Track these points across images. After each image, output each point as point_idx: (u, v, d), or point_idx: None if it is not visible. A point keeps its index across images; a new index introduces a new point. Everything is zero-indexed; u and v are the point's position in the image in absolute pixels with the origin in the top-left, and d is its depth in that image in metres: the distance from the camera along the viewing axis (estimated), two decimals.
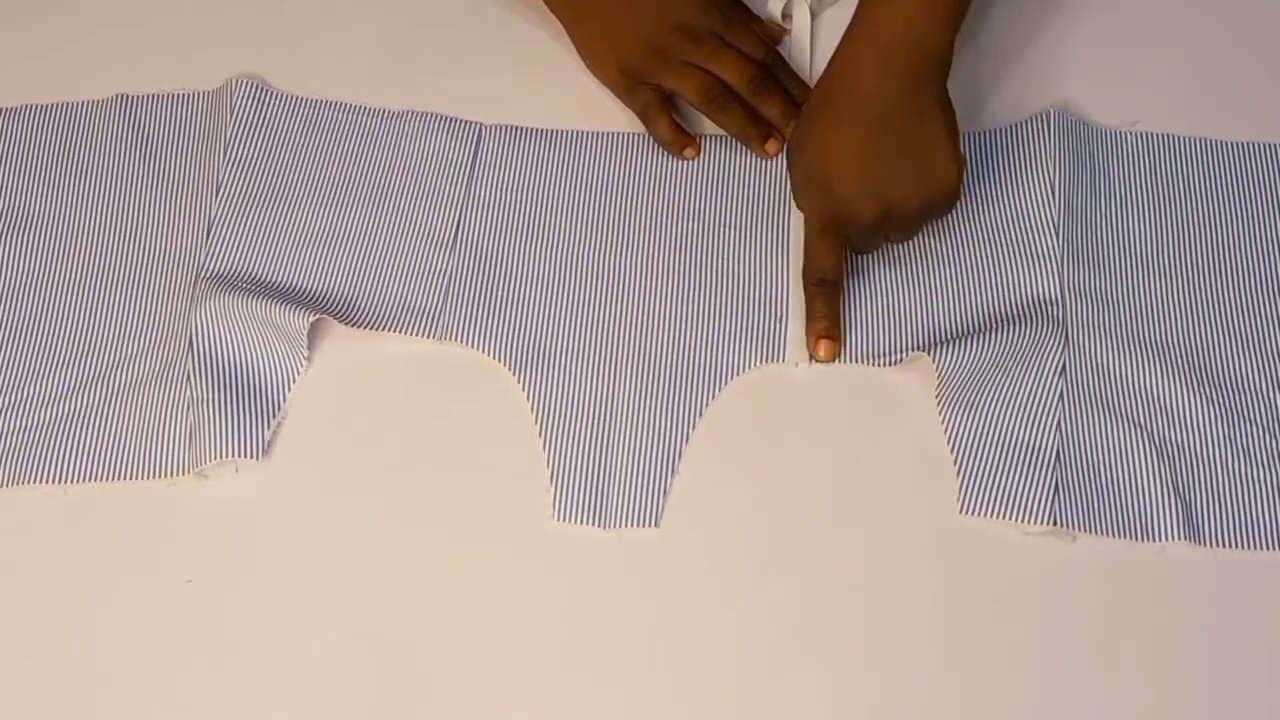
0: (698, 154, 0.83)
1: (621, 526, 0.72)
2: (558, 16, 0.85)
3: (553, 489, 0.73)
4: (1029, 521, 0.71)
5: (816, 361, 0.76)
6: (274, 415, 0.76)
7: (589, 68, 0.85)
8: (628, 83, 0.83)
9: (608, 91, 0.85)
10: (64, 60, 0.88)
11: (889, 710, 0.68)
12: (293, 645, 0.70)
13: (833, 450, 0.74)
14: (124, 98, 0.86)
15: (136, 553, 0.73)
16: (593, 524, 0.72)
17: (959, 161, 0.74)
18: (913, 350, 0.76)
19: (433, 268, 0.80)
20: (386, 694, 0.69)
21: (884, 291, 0.78)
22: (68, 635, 0.71)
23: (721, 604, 0.71)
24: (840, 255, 0.77)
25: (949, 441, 0.73)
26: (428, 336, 0.78)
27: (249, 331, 0.77)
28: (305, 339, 0.76)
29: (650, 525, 0.72)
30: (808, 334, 0.77)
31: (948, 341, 0.76)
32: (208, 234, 0.81)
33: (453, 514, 0.73)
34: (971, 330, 0.76)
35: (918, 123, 0.73)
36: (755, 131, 0.82)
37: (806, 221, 0.78)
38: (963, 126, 0.75)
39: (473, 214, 0.82)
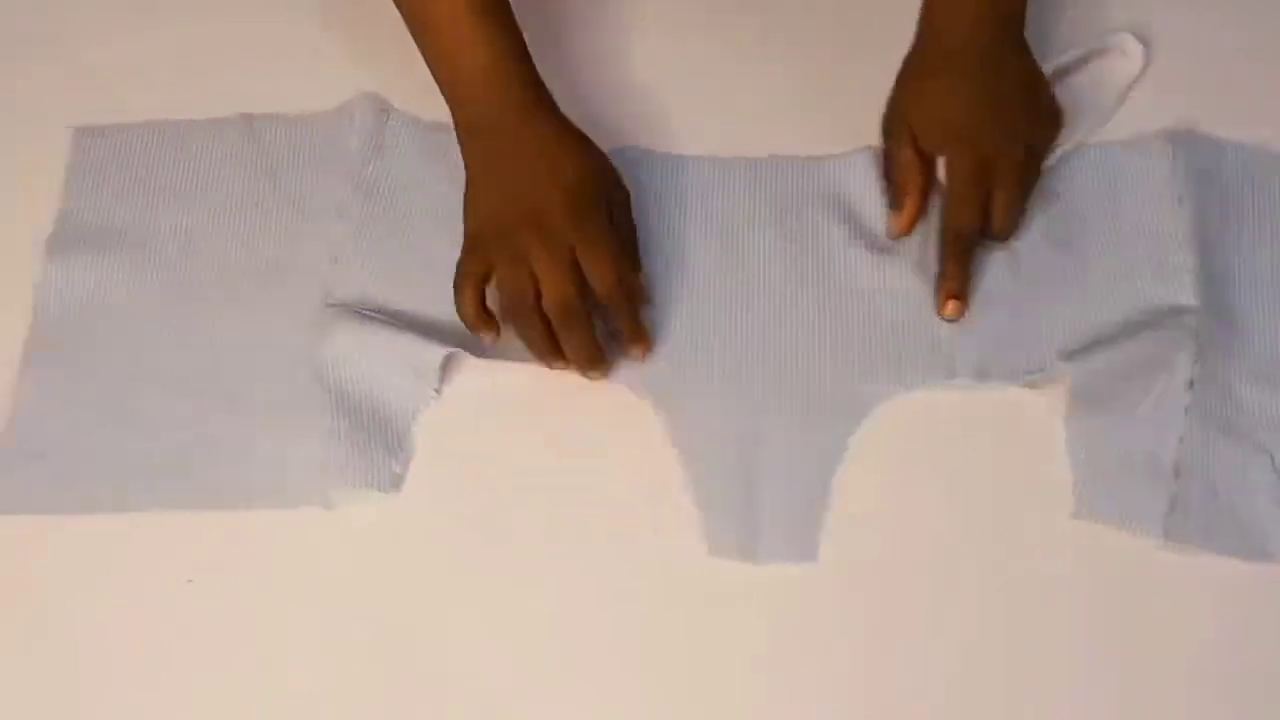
0: (495, 340, 0.76)
1: (776, 562, 0.71)
2: (466, 174, 0.79)
3: (703, 523, 0.72)
4: (1142, 532, 0.70)
5: (944, 319, 0.77)
6: (403, 447, 0.75)
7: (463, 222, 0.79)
8: (471, 246, 0.77)
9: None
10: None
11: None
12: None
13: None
14: (246, 117, 0.85)
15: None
16: (747, 560, 0.71)
17: (1059, 106, 0.81)
18: (1051, 365, 0.75)
19: None
20: None
21: (1020, 307, 0.77)
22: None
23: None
24: (980, 211, 0.77)
25: (1069, 444, 0.73)
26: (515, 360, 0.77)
27: (379, 362, 0.76)
28: (438, 371, 0.75)
29: (807, 560, 0.71)
30: (938, 292, 0.77)
31: (1082, 353, 0.75)
32: (333, 259, 0.80)
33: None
34: (1105, 341, 0.76)
35: (1019, 66, 0.80)
36: (545, 352, 0.76)
37: (950, 177, 0.78)
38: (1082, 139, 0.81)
39: None
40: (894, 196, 0.80)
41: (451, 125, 0.80)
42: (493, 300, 0.76)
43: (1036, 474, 0.73)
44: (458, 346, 0.76)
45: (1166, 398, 0.73)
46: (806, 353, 0.76)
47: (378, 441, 0.74)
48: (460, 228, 0.78)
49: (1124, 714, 0.68)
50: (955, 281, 0.77)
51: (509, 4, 0.79)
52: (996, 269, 0.78)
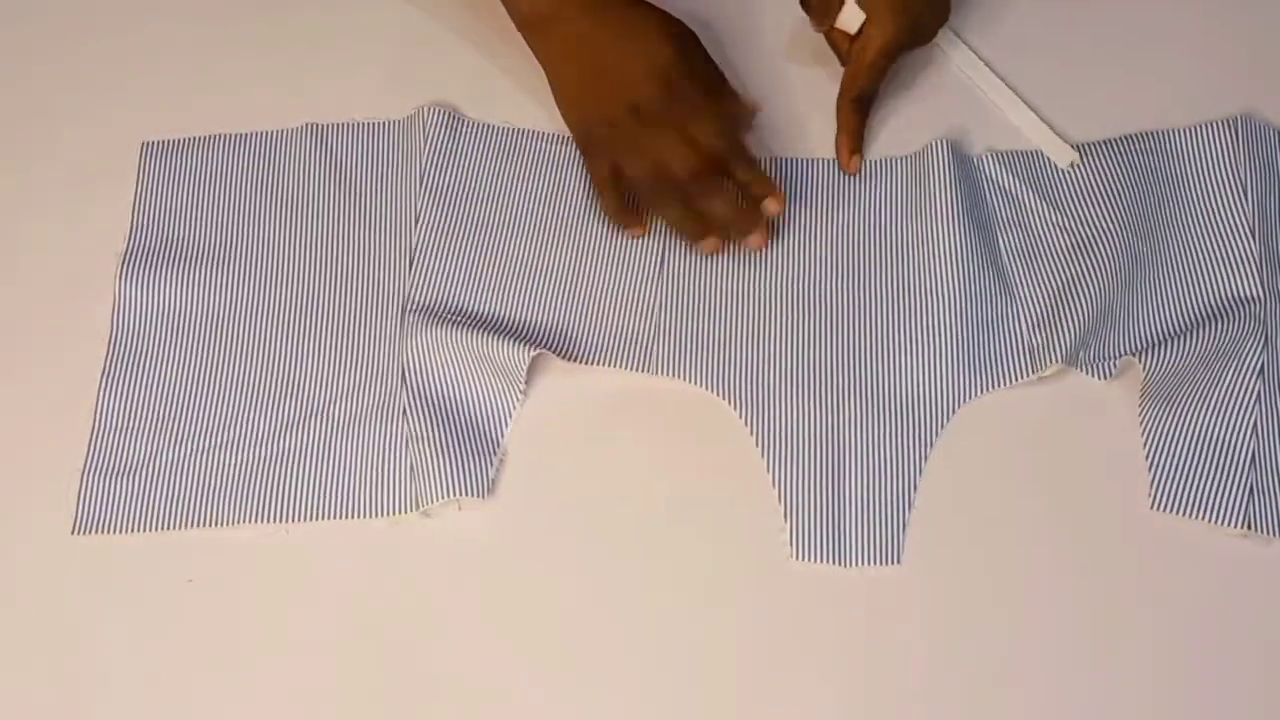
0: (644, 233, 0.80)
1: (862, 564, 0.72)
2: (542, 66, 0.82)
3: (788, 527, 0.73)
4: (1222, 523, 0.70)
5: (846, 173, 0.82)
6: (495, 452, 0.75)
7: (564, 120, 0.83)
8: (589, 147, 0.81)
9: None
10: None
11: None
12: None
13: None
14: (313, 126, 0.85)
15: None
16: (833, 563, 0.72)
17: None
18: (1122, 356, 0.75)
19: (641, 299, 0.79)
20: None
21: (1092, 299, 0.77)
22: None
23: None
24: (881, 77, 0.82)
25: (1143, 436, 0.73)
26: (641, 370, 0.77)
27: (465, 366, 0.76)
28: (524, 374, 0.76)
29: (891, 562, 0.72)
30: (842, 149, 0.82)
31: (1154, 345, 0.75)
32: (411, 264, 0.81)
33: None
34: (1176, 332, 0.76)
35: None
36: (691, 227, 0.78)
37: (869, 47, 0.81)
38: (1144, 126, 0.81)
39: (678, 243, 0.81)
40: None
41: (520, 128, 0.83)
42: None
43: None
44: (542, 349, 0.76)
45: (1238, 386, 0.73)
46: (890, 354, 0.77)
47: (469, 447, 0.74)
48: (531, 233, 0.80)
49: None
50: (858, 138, 0.82)
51: None
52: (1077, 264, 0.79)
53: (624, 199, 0.80)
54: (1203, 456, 0.72)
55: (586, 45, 0.79)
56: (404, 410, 0.76)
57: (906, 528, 0.72)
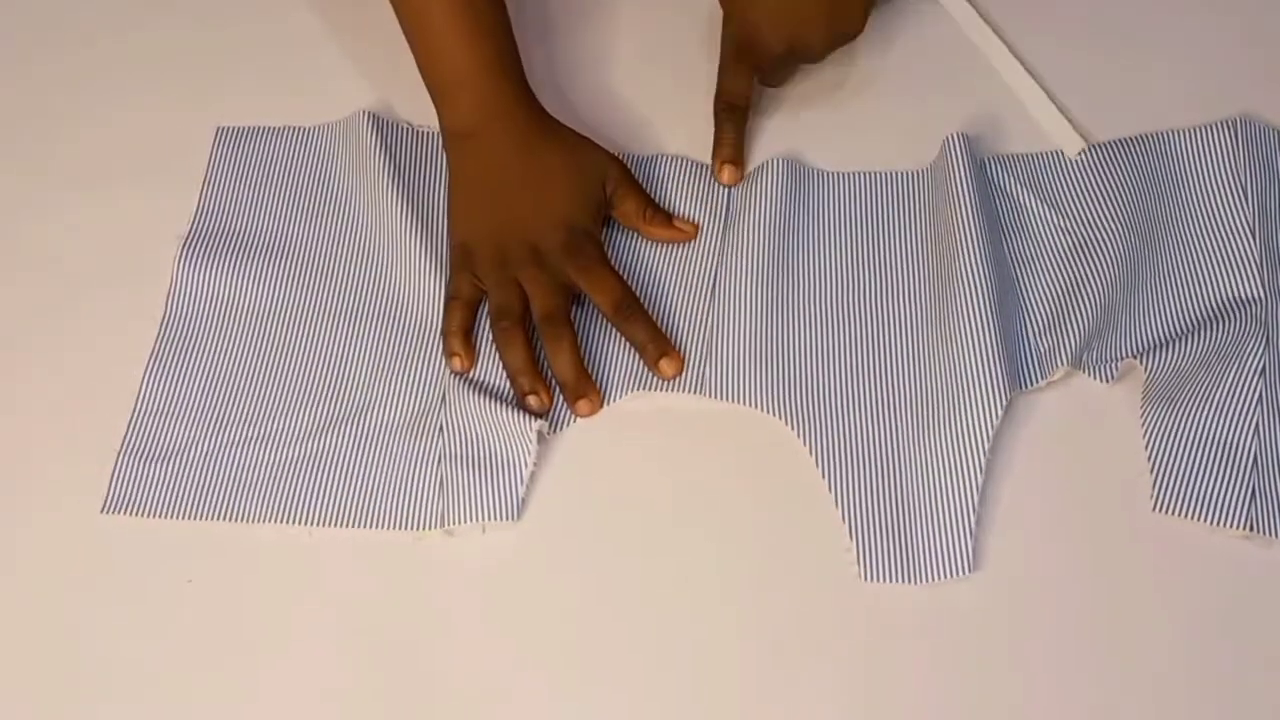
0: (464, 370, 0.77)
1: (935, 579, 0.70)
2: (451, 177, 0.81)
3: (854, 547, 0.71)
4: (1224, 525, 0.70)
5: (722, 184, 0.82)
6: (526, 475, 0.74)
7: (449, 231, 0.80)
8: (463, 261, 0.78)
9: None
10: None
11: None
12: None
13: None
14: (373, 118, 0.85)
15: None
16: (905, 581, 0.70)
17: (867, 6, 0.81)
18: (1124, 358, 0.76)
19: (691, 322, 0.79)
20: None
21: (1095, 302, 0.78)
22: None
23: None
24: (751, 82, 0.83)
25: (1145, 438, 0.73)
26: (693, 393, 0.76)
27: (499, 387, 0.76)
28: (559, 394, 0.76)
29: (964, 572, 0.70)
30: (715, 159, 0.82)
31: (1155, 347, 0.76)
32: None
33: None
34: (1177, 334, 0.76)
35: None
36: (526, 373, 0.75)
37: (722, 50, 0.83)
38: (1143, 128, 0.81)
39: (730, 261, 0.80)
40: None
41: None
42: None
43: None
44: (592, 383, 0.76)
45: (1239, 388, 0.73)
46: (939, 362, 0.76)
47: (503, 470, 0.74)
48: None
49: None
50: (730, 148, 0.82)
51: (504, 7, 0.81)
52: (1080, 267, 0.79)
53: (467, 332, 0.78)
54: (1205, 458, 0.72)
55: (498, 165, 0.79)
56: (440, 427, 0.75)
57: (974, 536, 0.71)
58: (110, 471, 0.75)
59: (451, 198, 0.80)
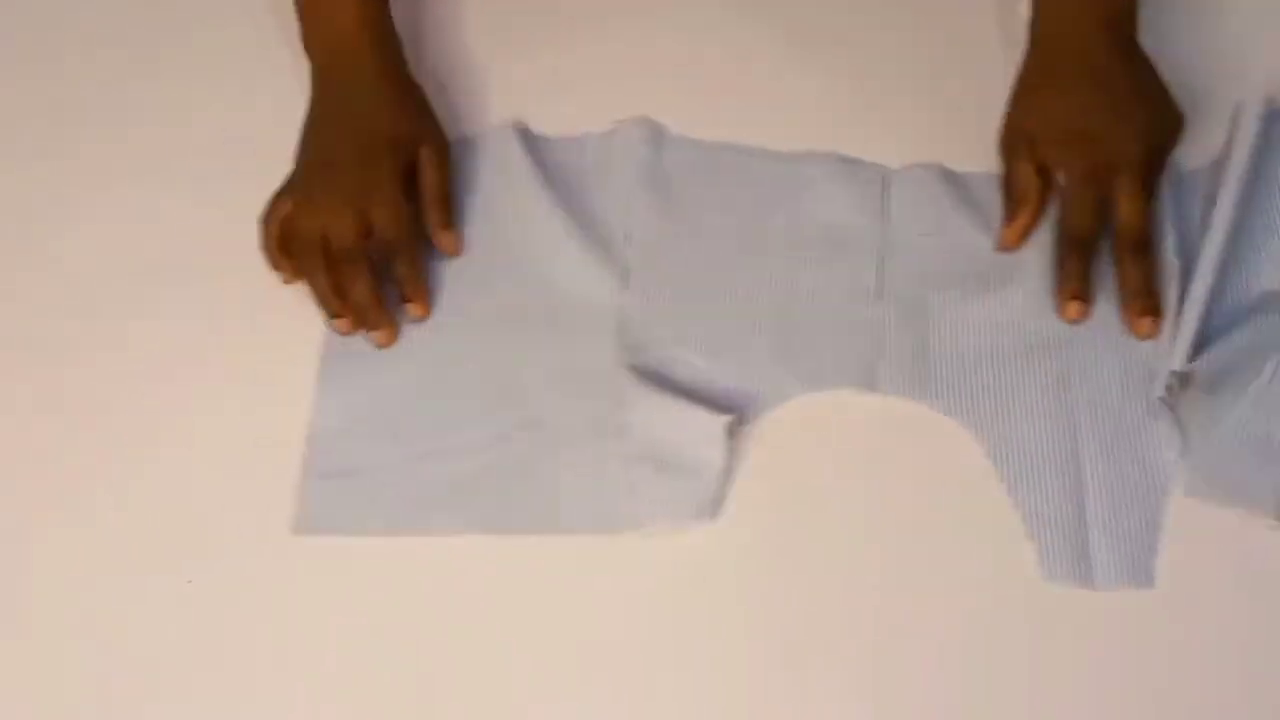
0: (290, 281, 0.80)
1: (1114, 585, 0.70)
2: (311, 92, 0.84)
3: (1036, 546, 0.71)
4: (1258, 512, 0.70)
5: (1067, 321, 0.77)
6: (719, 472, 0.73)
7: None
8: (288, 183, 0.82)
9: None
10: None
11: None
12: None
13: None
14: (521, 131, 0.85)
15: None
16: (1083, 585, 0.70)
17: (1177, 105, 0.80)
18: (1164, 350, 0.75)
19: (862, 320, 0.79)
20: None
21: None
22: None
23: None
24: (1095, 212, 0.78)
25: (1180, 425, 0.73)
26: (870, 391, 0.76)
27: (683, 385, 0.76)
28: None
29: (1145, 584, 0.70)
30: (1059, 295, 0.77)
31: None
32: (624, 282, 0.80)
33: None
34: (1213, 326, 0.76)
35: (1132, 69, 0.80)
36: (329, 304, 0.79)
37: (1067, 181, 0.79)
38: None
39: (895, 260, 0.80)
40: (1009, 209, 0.80)
41: (723, 143, 0.84)
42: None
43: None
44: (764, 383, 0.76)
45: (1277, 379, 0.72)
46: (1107, 372, 0.76)
47: (695, 468, 0.73)
48: (741, 253, 0.81)
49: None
50: (1074, 281, 0.77)
51: None
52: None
53: (280, 242, 0.80)
54: (1239, 447, 0.71)
55: (331, 109, 0.82)
56: (623, 428, 0.75)
57: (1157, 547, 0.71)
58: (296, 492, 0.74)
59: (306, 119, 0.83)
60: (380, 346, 0.78)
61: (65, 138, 0.89)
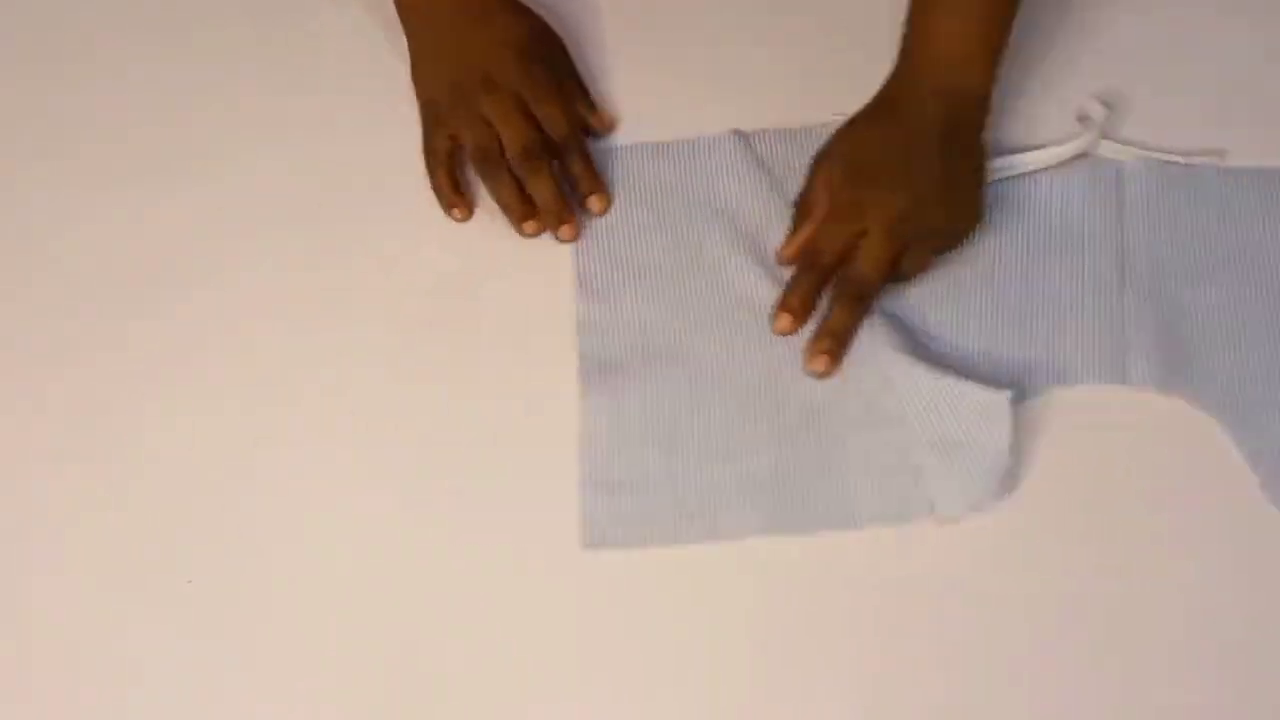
0: (466, 217, 0.81)
1: None
2: (407, 39, 0.84)
3: None
4: None
5: (774, 332, 0.77)
6: (1006, 446, 0.73)
7: (415, 91, 0.84)
8: (432, 117, 0.82)
9: None
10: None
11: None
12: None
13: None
14: (741, 134, 0.85)
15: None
16: None
17: (980, 212, 0.79)
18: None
19: (1107, 310, 0.78)
20: None
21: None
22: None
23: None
24: (840, 253, 0.77)
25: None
26: (1121, 383, 0.76)
27: (948, 366, 0.76)
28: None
29: None
30: (778, 304, 0.77)
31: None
32: None
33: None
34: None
35: (960, 149, 0.78)
36: (518, 208, 0.80)
37: (833, 205, 0.77)
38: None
39: (1135, 255, 0.80)
40: (794, 223, 0.80)
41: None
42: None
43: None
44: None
45: None
46: None
47: (979, 446, 0.73)
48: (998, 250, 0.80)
49: None
50: (795, 297, 0.77)
51: None
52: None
53: (455, 181, 0.81)
54: None
55: (448, 24, 0.82)
56: (896, 416, 0.75)
57: None
58: (579, 507, 0.74)
59: (411, 57, 0.83)
60: (564, 241, 0.80)
61: (65, 138, 0.89)
